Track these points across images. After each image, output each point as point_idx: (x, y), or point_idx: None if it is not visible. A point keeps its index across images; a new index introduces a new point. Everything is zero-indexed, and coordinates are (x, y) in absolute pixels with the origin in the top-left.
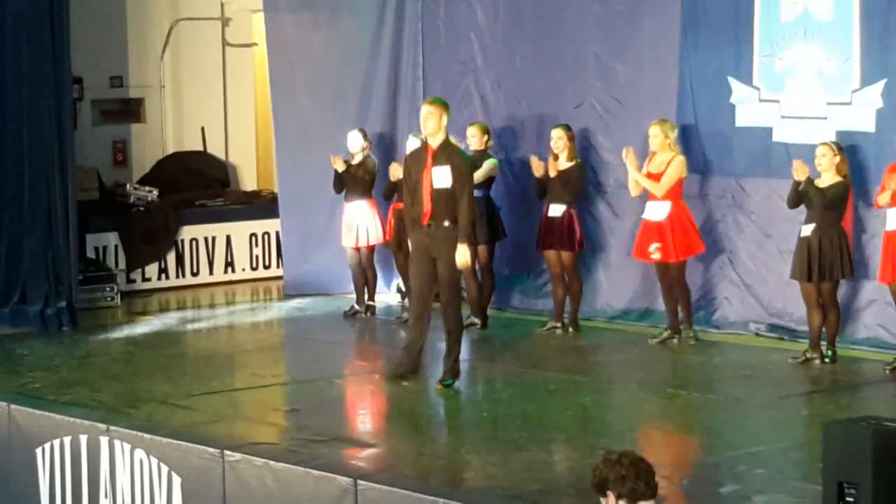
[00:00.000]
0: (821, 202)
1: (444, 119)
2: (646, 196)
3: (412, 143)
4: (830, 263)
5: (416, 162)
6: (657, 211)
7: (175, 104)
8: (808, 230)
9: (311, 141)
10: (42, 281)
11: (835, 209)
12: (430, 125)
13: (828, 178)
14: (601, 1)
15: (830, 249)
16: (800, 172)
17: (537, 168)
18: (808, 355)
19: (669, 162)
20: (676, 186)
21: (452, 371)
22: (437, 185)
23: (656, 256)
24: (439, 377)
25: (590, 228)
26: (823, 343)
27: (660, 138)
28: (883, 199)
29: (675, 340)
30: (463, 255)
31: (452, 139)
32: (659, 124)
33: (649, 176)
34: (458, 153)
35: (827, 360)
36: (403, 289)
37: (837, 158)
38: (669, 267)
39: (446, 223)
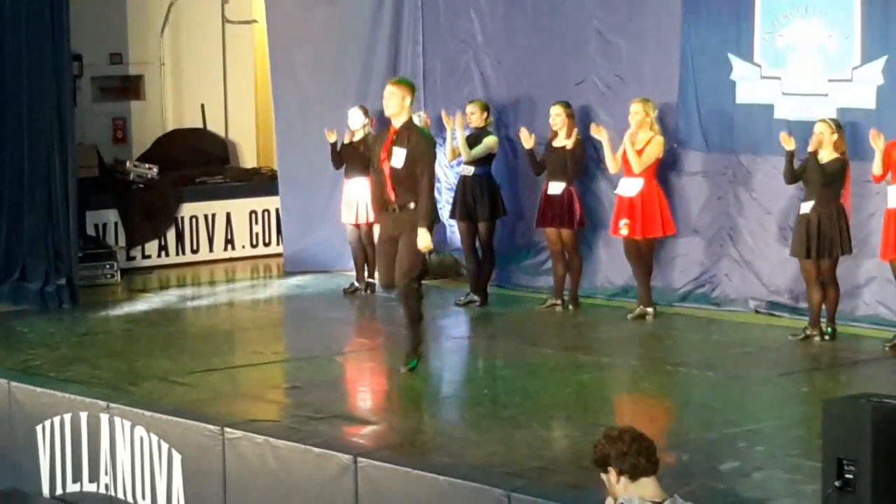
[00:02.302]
0: (819, 179)
1: (408, 100)
2: (621, 172)
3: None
4: (830, 240)
5: (379, 143)
6: (629, 187)
7: (175, 81)
8: (807, 207)
9: (311, 118)
10: (42, 258)
11: (833, 186)
12: (392, 105)
13: (826, 155)
14: None
15: (830, 226)
16: (788, 143)
17: (526, 140)
18: (808, 332)
19: (649, 140)
20: (653, 165)
21: (415, 353)
22: (395, 166)
23: (624, 232)
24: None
25: (591, 205)
26: (823, 320)
27: (640, 116)
28: (877, 168)
29: (649, 317)
30: (423, 238)
31: (422, 116)
32: (641, 102)
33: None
34: (418, 134)
35: (827, 337)
36: None
37: (835, 136)
38: (637, 244)
39: (410, 205)
